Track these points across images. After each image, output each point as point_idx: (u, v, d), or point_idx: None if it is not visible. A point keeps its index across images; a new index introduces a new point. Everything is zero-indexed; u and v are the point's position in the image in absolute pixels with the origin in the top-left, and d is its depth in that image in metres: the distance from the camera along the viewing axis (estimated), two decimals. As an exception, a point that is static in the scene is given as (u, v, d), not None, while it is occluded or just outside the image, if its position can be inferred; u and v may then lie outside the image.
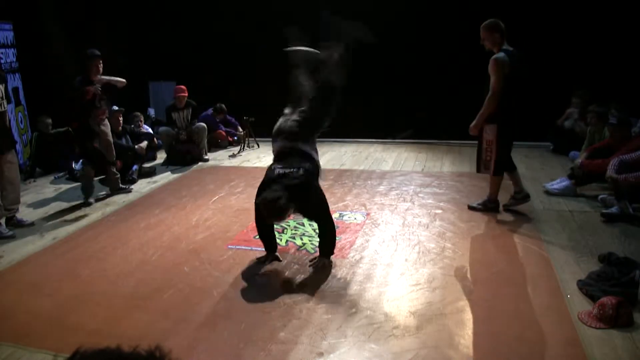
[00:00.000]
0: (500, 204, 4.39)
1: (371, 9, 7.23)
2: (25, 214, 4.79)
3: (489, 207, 4.37)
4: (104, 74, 5.08)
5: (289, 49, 3.59)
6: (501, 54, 3.95)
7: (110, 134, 5.37)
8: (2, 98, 4.24)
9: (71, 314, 2.93)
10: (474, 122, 4.13)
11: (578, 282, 3.02)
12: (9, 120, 4.54)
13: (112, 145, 5.37)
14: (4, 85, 4.36)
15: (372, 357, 2.42)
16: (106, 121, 5.33)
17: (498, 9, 6.73)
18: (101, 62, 5.01)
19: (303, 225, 4.23)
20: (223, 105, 7.74)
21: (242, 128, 7.69)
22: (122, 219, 4.65)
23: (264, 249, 3.57)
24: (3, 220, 4.31)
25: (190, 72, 8.22)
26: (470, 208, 4.43)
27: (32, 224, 4.54)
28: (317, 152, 3.52)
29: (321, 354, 2.46)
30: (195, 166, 6.64)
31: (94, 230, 4.36)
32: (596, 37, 6.28)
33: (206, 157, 7.00)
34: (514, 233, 3.90)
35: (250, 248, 3.80)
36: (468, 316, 2.74)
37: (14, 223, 4.47)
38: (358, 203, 4.79)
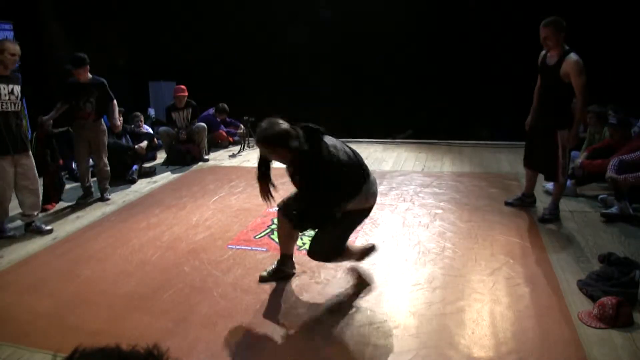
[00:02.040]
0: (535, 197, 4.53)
1: (382, 9, 7.26)
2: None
3: (557, 213, 4.18)
4: (104, 74, 5.06)
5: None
6: (576, 55, 3.72)
7: (100, 141, 5.06)
8: (8, 98, 4.02)
9: (71, 314, 2.93)
10: (574, 132, 3.86)
11: (578, 282, 3.03)
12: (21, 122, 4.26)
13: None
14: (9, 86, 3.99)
15: (372, 357, 2.42)
16: (99, 127, 5.04)
17: (495, 11, 6.76)
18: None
19: (303, 225, 4.23)
20: (225, 105, 7.74)
21: (243, 126, 7.68)
22: (122, 219, 4.65)
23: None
24: (13, 224, 4.16)
25: (190, 72, 8.22)
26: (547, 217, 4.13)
27: (51, 230, 4.30)
28: None
29: (321, 355, 2.46)
30: (195, 166, 6.64)
31: (94, 230, 4.36)
32: (595, 38, 6.28)
33: (206, 157, 7.00)
34: (514, 233, 3.90)
35: (250, 248, 3.80)
36: (468, 316, 2.74)
37: (33, 229, 4.27)
38: (358, 203, 4.78)
